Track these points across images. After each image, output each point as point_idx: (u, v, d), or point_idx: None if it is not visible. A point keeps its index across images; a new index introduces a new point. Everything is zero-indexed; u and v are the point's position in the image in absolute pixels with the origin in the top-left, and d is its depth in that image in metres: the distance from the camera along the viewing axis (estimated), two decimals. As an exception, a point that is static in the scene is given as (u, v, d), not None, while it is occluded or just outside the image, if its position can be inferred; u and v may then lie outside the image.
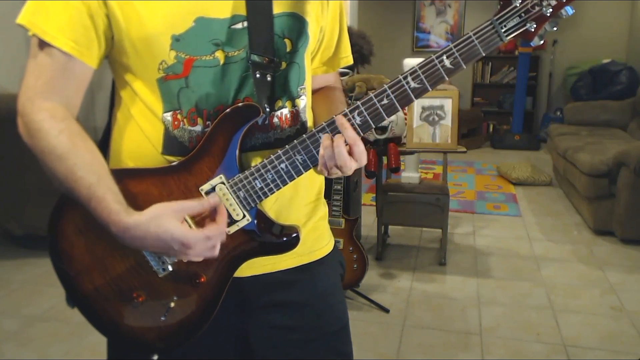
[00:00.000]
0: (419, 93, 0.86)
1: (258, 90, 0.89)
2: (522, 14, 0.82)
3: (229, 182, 0.88)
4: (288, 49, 0.94)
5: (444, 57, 0.84)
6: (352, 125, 0.86)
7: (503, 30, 0.83)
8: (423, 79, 0.85)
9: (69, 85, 0.88)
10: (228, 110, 0.88)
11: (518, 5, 0.82)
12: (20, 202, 3.19)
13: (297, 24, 0.94)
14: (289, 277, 1.02)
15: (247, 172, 0.88)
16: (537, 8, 0.82)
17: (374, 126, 0.88)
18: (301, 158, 0.88)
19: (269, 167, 0.88)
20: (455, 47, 0.84)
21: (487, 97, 7.29)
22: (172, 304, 0.92)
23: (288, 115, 0.96)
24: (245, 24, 0.88)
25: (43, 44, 0.85)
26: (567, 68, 6.73)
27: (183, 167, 0.88)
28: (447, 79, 0.86)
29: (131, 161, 0.94)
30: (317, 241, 1.06)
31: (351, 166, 0.87)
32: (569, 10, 0.82)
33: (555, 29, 0.84)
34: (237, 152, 0.88)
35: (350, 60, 1.12)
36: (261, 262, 0.97)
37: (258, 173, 0.88)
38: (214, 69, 0.88)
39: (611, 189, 3.59)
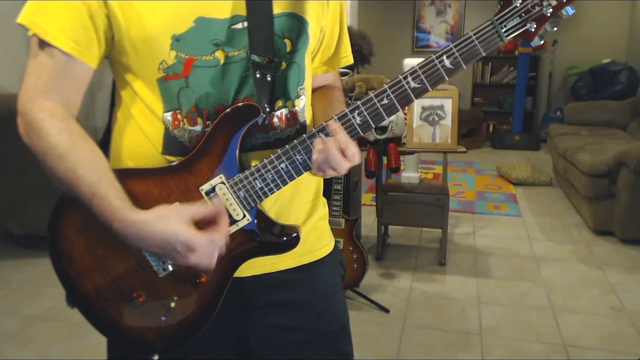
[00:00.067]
0: (419, 93, 0.86)
1: (258, 90, 0.89)
2: (523, 14, 0.82)
3: (229, 182, 0.88)
4: (288, 49, 0.94)
5: (444, 57, 0.84)
6: (351, 125, 0.87)
7: (503, 31, 0.83)
8: (423, 79, 0.85)
9: (69, 85, 0.88)
10: (228, 110, 0.88)
11: (518, 5, 0.82)
12: (20, 202, 3.19)
13: (297, 24, 0.94)
14: (289, 277, 1.02)
15: (247, 172, 0.88)
16: (537, 8, 0.82)
17: (374, 126, 0.88)
18: (301, 158, 0.88)
19: (269, 167, 0.88)
20: (455, 47, 0.84)
21: (487, 97, 7.28)
22: (173, 304, 0.92)
23: (288, 115, 0.96)
24: (245, 24, 0.88)
25: (43, 44, 0.85)
26: (567, 68, 6.73)
27: (183, 167, 0.88)
28: (447, 79, 0.86)
29: (131, 161, 0.94)
30: (317, 241, 1.06)
31: (345, 167, 0.88)
32: (569, 10, 0.82)
33: (555, 29, 0.84)
34: (237, 152, 0.88)
35: (350, 60, 1.12)
36: (261, 262, 0.97)
37: (258, 173, 0.88)
38: (214, 69, 0.88)
39: (611, 189, 3.59)
